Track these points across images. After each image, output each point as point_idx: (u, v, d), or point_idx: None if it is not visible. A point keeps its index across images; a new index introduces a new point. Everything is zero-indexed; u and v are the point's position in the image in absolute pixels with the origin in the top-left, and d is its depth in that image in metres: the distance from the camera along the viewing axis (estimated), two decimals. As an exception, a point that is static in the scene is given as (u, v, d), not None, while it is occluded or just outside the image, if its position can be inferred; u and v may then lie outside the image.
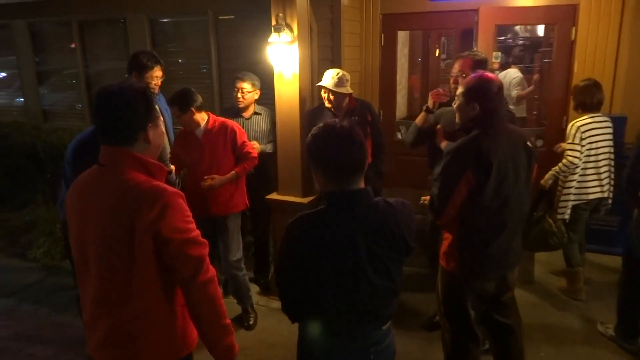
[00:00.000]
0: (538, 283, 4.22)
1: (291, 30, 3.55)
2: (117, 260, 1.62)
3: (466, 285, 2.51)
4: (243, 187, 3.67)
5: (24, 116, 6.90)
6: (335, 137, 1.68)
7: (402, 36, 6.95)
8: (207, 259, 1.75)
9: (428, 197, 2.56)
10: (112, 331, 1.70)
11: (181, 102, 3.26)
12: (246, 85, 3.92)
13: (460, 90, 2.46)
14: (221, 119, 3.51)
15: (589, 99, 3.74)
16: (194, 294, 1.71)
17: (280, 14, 3.53)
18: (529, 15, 4.94)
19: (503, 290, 2.58)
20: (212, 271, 1.75)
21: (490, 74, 2.44)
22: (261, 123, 4.07)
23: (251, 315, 3.81)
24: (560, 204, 3.88)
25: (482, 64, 3.07)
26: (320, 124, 1.76)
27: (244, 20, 5.36)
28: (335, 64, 4.97)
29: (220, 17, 5.51)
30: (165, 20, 5.87)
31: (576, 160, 3.68)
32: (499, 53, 6.71)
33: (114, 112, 1.65)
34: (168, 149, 3.72)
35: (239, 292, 3.74)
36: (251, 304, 3.86)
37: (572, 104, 3.97)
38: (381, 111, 5.58)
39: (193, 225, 1.71)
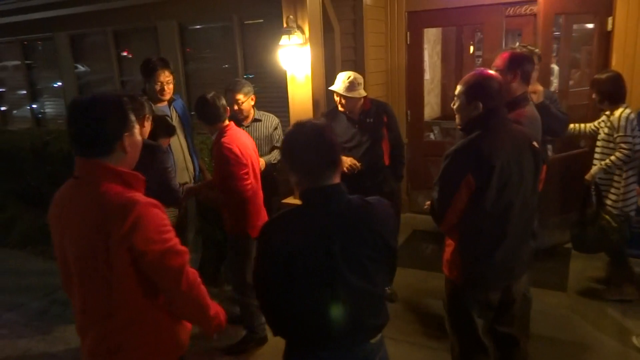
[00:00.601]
0: (571, 290, 3.96)
1: (303, 32, 3.50)
2: (95, 274, 1.62)
3: (470, 294, 2.38)
4: (244, 214, 3.19)
5: (68, 124, 7.21)
6: (305, 135, 1.68)
7: (434, 33, 6.78)
8: (187, 267, 1.72)
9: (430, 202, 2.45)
10: (98, 342, 1.70)
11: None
12: (240, 96, 3.64)
13: (459, 89, 2.32)
14: (228, 137, 3.10)
15: (616, 89, 3.56)
16: (177, 302, 1.72)
17: (291, 16, 3.51)
18: (577, 4, 4.63)
19: (508, 302, 2.43)
20: (192, 274, 1.73)
21: (490, 72, 2.30)
22: (262, 129, 3.85)
23: (242, 345, 3.44)
24: (626, 199, 3.63)
25: (521, 59, 2.75)
26: (293, 123, 1.76)
27: (270, 24, 5.37)
28: (358, 64, 4.90)
29: (245, 22, 5.56)
30: (193, 27, 5.98)
31: (630, 153, 3.48)
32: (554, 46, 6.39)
33: (88, 124, 1.63)
34: (187, 155, 3.75)
35: (241, 314, 3.49)
36: (250, 332, 3.47)
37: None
38: (408, 111, 5.45)
39: (170, 235, 1.68)
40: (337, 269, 1.63)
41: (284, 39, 3.46)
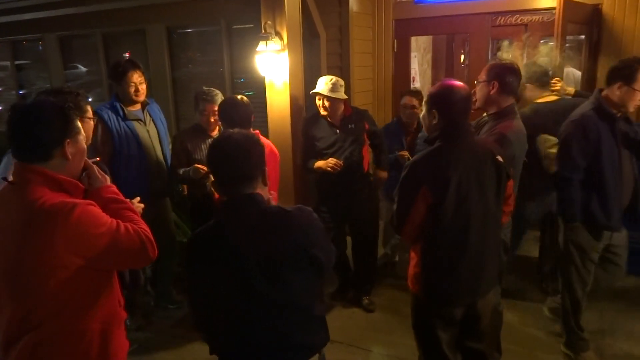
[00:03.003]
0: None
1: (281, 38, 3.47)
2: (31, 281, 1.58)
3: (432, 309, 2.33)
4: None
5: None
6: (224, 145, 1.69)
7: (425, 41, 6.77)
8: (134, 228, 1.69)
9: None
10: (26, 354, 1.64)
11: None
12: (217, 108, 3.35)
13: (424, 99, 2.32)
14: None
15: None
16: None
17: (269, 22, 3.47)
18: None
19: (474, 318, 2.38)
20: (144, 232, 1.71)
21: (455, 82, 2.26)
22: None
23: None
24: None
25: (499, 70, 2.67)
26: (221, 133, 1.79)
27: (259, 30, 5.33)
28: (344, 71, 4.87)
29: (234, 27, 5.52)
30: (181, 30, 5.95)
31: None
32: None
33: (26, 128, 1.60)
34: (161, 161, 3.69)
35: None
36: None
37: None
38: (395, 119, 5.39)
39: (110, 222, 1.65)
40: (251, 282, 1.59)
41: (262, 45, 3.43)
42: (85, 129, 2.41)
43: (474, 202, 2.16)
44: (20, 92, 7.67)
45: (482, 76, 2.72)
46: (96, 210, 1.64)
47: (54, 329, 1.62)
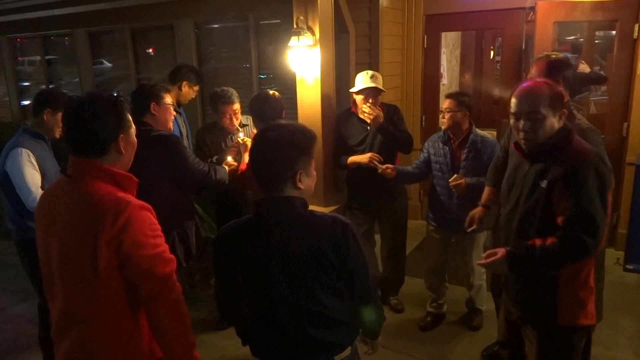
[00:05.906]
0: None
1: (313, 33, 3.43)
2: (80, 274, 1.58)
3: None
4: None
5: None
6: (265, 141, 1.64)
7: (454, 37, 6.66)
8: (174, 277, 1.67)
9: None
10: (74, 347, 1.65)
11: None
12: (237, 107, 3.41)
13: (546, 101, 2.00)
14: None
15: None
16: (158, 313, 1.65)
17: (302, 17, 3.43)
18: (589, 10, 4.47)
19: None
20: (178, 289, 1.68)
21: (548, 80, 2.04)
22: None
23: None
24: None
25: (559, 65, 2.52)
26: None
27: (287, 25, 5.30)
28: (373, 67, 4.80)
29: (262, 22, 5.51)
30: (209, 26, 5.96)
31: None
32: (565, 53, 6.17)
33: (82, 124, 1.60)
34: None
35: None
36: None
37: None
38: (423, 117, 5.34)
39: (159, 240, 1.64)
40: (272, 282, 1.60)
41: (293, 40, 3.39)
42: (161, 113, 2.78)
43: None
44: (43, 87, 7.81)
45: (539, 75, 2.45)
46: (148, 217, 1.62)
47: (102, 326, 1.62)
